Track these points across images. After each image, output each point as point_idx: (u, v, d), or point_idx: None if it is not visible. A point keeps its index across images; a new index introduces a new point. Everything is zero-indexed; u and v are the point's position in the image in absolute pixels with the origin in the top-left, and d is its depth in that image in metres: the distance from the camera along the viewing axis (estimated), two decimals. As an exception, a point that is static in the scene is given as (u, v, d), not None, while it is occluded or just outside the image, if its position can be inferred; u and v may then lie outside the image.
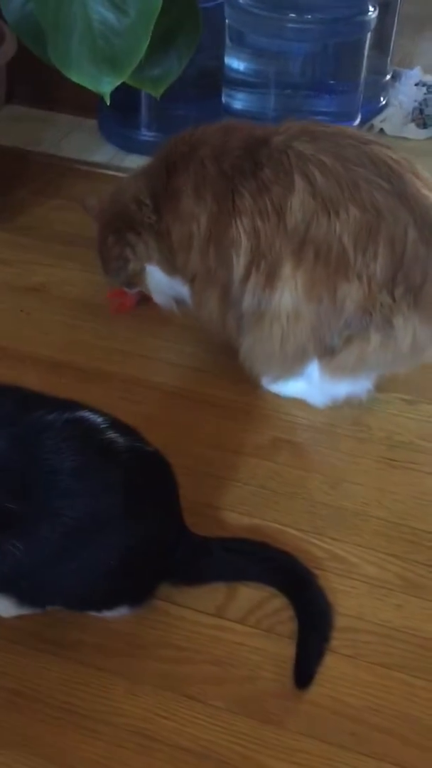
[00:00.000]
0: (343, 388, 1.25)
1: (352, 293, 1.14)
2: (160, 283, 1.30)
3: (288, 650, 0.98)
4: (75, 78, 1.36)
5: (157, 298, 1.34)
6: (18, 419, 0.90)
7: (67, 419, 0.91)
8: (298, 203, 1.13)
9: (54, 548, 0.90)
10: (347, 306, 1.15)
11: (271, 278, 1.16)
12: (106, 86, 1.35)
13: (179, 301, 1.32)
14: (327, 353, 1.20)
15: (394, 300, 1.14)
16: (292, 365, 1.24)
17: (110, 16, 1.28)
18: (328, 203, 1.12)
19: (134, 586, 0.99)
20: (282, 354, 1.21)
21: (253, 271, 1.17)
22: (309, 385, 1.26)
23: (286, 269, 1.15)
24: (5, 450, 0.89)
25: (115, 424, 0.96)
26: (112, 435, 0.94)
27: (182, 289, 1.28)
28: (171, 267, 1.27)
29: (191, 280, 1.24)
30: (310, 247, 1.14)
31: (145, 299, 1.42)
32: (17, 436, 0.89)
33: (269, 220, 1.15)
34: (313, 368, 1.23)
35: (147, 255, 1.28)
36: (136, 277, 1.32)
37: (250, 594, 1.04)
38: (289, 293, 1.16)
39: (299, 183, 1.13)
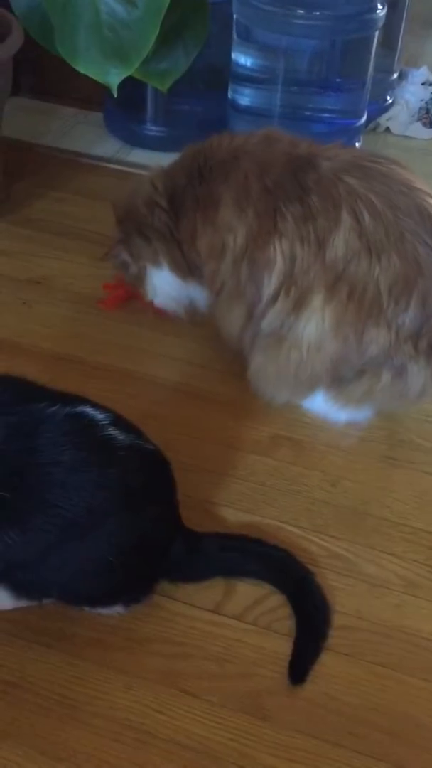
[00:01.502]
0: (346, 414, 1.25)
1: (378, 339, 1.14)
2: (169, 286, 1.29)
3: (286, 648, 0.98)
4: (82, 69, 1.36)
5: (162, 301, 1.33)
6: (18, 409, 0.90)
7: (68, 413, 0.91)
8: (342, 239, 1.12)
9: (48, 540, 0.90)
10: (371, 349, 1.15)
11: (299, 306, 1.16)
12: (113, 78, 1.35)
13: (189, 305, 1.32)
14: (337, 383, 1.21)
15: (416, 351, 1.15)
16: (302, 391, 1.24)
17: (119, 8, 1.28)
18: (372, 247, 1.12)
19: (129, 584, 0.99)
20: (294, 380, 1.21)
21: (282, 294, 1.16)
22: (311, 403, 1.26)
23: (317, 300, 1.14)
24: (2, 439, 0.88)
25: (117, 420, 0.95)
26: (112, 431, 0.93)
27: (197, 294, 1.28)
28: (185, 271, 1.26)
29: (218, 289, 1.23)
30: (345, 285, 1.13)
31: (132, 297, 1.42)
32: (16, 426, 0.89)
33: (309, 248, 1.14)
34: (320, 393, 1.23)
35: (153, 259, 1.27)
36: (138, 280, 1.31)
37: (248, 591, 1.04)
38: (315, 325, 1.15)
39: (346, 219, 1.12)
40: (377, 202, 1.13)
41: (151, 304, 1.34)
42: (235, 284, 1.20)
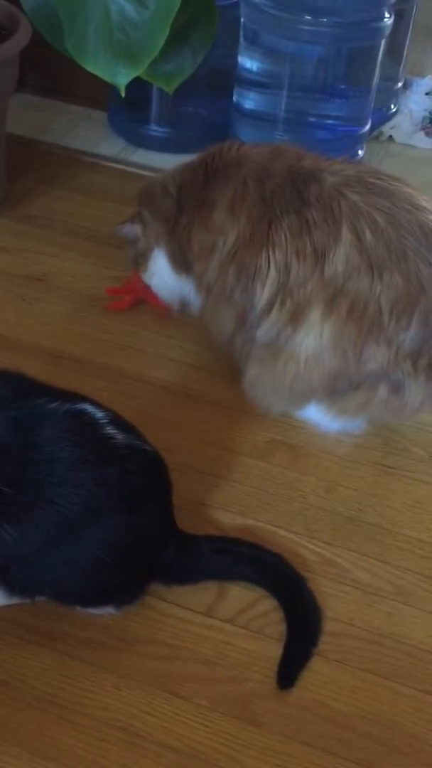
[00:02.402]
0: (339, 424, 1.25)
1: (378, 356, 1.14)
2: (166, 273, 1.30)
3: (276, 652, 0.98)
4: (90, 68, 1.36)
5: (157, 285, 1.33)
6: (18, 405, 0.89)
7: (68, 410, 0.91)
8: (342, 255, 1.12)
9: (44, 537, 0.90)
10: (369, 365, 1.15)
11: (295, 318, 1.15)
12: (121, 78, 1.35)
13: (183, 302, 1.32)
14: (332, 394, 1.21)
15: (415, 369, 1.15)
16: (297, 402, 1.24)
17: (129, 8, 1.28)
18: (374, 263, 1.11)
19: (122, 584, 0.99)
20: (290, 391, 1.21)
21: (277, 305, 1.16)
22: (305, 412, 1.26)
23: (315, 315, 1.14)
24: (1, 434, 0.88)
25: (116, 420, 0.95)
26: (111, 431, 0.93)
27: (189, 291, 1.28)
28: (180, 265, 1.26)
29: (206, 290, 1.23)
30: (345, 301, 1.12)
31: (142, 300, 1.42)
32: (16, 422, 0.89)
33: (305, 261, 1.13)
34: (314, 403, 1.23)
35: (156, 240, 1.28)
36: (142, 257, 1.32)
37: (241, 594, 1.04)
38: (313, 339, 1.15)
39: (347, 235, 1.12)
40: (379, 219, 1.12)
41: (147, 290, 1.35)
42: (222, 288, 1.20)
